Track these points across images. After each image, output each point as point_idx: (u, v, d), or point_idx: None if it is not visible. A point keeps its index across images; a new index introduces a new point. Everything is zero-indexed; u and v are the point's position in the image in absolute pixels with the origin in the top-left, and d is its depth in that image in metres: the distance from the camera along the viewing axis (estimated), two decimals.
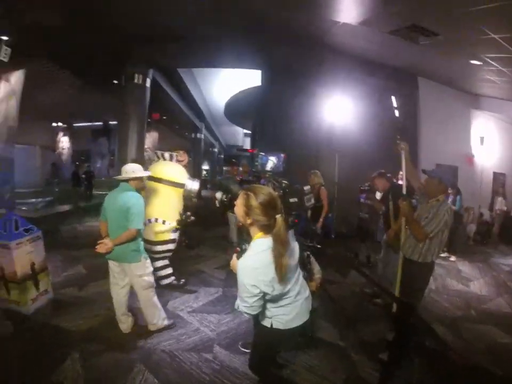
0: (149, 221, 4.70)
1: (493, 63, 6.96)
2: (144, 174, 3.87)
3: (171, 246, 4.96)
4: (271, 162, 3.36)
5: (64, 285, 5.19)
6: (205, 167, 34.31)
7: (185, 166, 5.88)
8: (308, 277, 3.04)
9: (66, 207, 12.72)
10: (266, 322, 2.23)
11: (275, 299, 2.11)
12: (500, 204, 10.40)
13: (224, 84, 16.01)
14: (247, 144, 28.08)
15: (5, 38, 6.78)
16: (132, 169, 3.72)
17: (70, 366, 3.19)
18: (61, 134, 26.32)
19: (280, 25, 6.78)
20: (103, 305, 4.44)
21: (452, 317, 4.56)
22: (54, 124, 25.24)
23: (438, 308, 4.79)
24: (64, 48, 8.84)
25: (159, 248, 4.86)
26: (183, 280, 5.22)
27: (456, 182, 8.34)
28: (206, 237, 8.24)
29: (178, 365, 3.28)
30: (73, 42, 8.33)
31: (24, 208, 12.29)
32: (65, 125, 25.87)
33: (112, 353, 3.42)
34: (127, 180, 3.70)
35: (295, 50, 8.05)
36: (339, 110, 8.22)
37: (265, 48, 8.05)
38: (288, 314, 2.18)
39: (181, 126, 23.88)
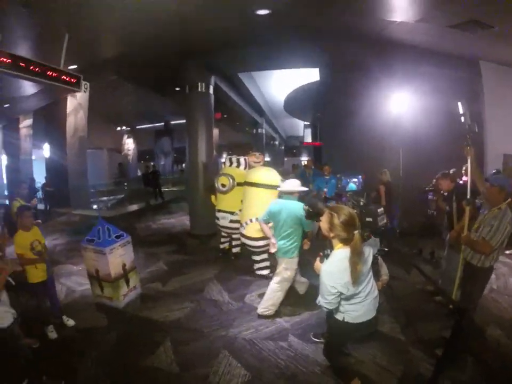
0: (251, 220, 5.45)
1: None
2: (302, 188, 4.58)
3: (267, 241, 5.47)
4: (353, 184, 3.79)
5: (149, 280, 5.79)
6: (267, 158, 34.73)
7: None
8: (376, 277, 3.35)
9: (137, 206, 13.49)
10: (339, 316, 2.72)
11: (348, 297, 2.57)
12: None
13: (282, 81, 16.19)
14: (307, 135, 28.05)
15: (73, 66, 7.61)
16: (298, 184, 4.50)
17: (163, 352, 3.71)
18: (125, 136, 28.07)
19: (339, 28, 6.88)
20: (186, 298, 5.00)
21: (510, 319, 4.40)
22: (119, 128, 26.91)
23: (497, 308, 4.66)
24: (126, 67, 9.64)
25: (261, 243, 5.51)
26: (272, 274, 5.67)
27: None
28: None
29: (257, 352, 3.70)
30: (136, 63, 9.10)
31: (100, 207, 13.26)
32: (129, 128, 27.48)
33: (199, 342, 3.91)
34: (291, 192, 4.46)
35: (353, 47, 7.99)
36: (401, 104, 8.05)
37: (322, 48, 8.13)
38: (358, 310, 2.65)
39: (241, 122, 24.49)
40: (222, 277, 5.86)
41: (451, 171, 6.84)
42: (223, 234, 6.75)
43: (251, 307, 4.73)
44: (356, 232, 2.45)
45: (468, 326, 3.50)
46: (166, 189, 16.14)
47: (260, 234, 5.34)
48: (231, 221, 6.27)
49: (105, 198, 17.19)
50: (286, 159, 45.29)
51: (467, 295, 3.69)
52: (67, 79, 5.53)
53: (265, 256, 5.70)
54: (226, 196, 6.22)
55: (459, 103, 4.52)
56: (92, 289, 5.00)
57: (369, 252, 2.71)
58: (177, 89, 11.52)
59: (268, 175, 5.58)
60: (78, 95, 11.84)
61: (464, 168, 6.32)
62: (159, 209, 12.99)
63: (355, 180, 3.94)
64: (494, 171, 7.07)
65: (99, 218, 5.13)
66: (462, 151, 4.02)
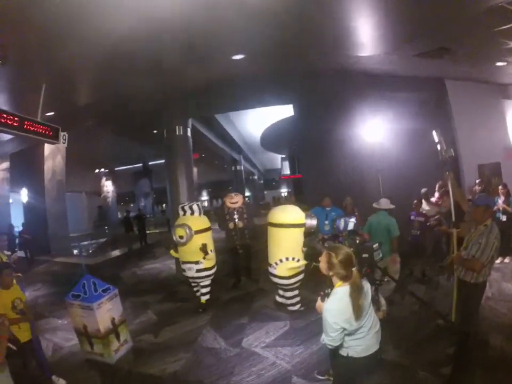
0: (280, 261, 5.47)
1: None
2: (391, 206, 5.79)
3: (301, 276, 5.65)
4: (352, 223, 3.92)
5: (139, 332, 5.54)
6: (247, 193, 35.03)
7: (241, 207, 6.49)
8: (375, 308, 3.37)
9: (119, 251, 13.17)
10: (343, 352, 2.69)
11: (351, 333, 2.56)
12: None
13: (258, 118, 16.55)
14: (285, 168, 28.51)
15: (50, 113, 7.59)
16: (387, 202, 5.79)
17: None
18: (104, 178, 27.78)
19: (311, 67, 7.12)
20: (181, 349, 4.79)
21: (510, 324, 4.52)
22: (97, 170, 26.64)
23: (495, 315, 4.74)
24: (102, 113, 9.71)
25: (293, 280, 5.57)
26: (303, 307, 5.73)
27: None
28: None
29: None
30: (113, 109, 9.18)
31: (80, 253, 12.89)
32: (107, 170, 27.30)
33: None
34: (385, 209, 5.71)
35: (324, 81, 8.28)
36: (376, 131, 8.29)
37: (295, 85, 8.39)
38: (362, 345, 2.65)
39: (220, 161, 24.70)
40: (215, 323, 5.66)
41: (422, 190, 7.10)
42: (193, 284, 6.65)
43: (249, 351, 4.58)
44: (354, 269, 2.55)
45: (471, 341, 3.57)
46: (148, 231, 15.83)
47: (292, 272, 5.49)
48: (198, 270, 6.18)
49: (86, 243, 16.83)
50: (266, 192, 45.91)
51: (466, 316, 3.69)
52: (45, 132, 5.44)
53: (297, 292, 5.75)
54: (187, 246, 6.12)
55: (433, 132, 4.73)
56: (80, 346, 4.76)
57: (368, 287, 2.76)
58: (155, 132, 11.59)
59: (292, 214, 5.62)
60: None
61: (438, 184, 6.53)
62: (142, 254, 12.71)
63: (353, 220, 4.07)
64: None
65: (84, 272, 4.95)
66: (443, 176, 4.14)
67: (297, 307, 5.75)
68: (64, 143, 5.84)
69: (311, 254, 3.50)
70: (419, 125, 8.24)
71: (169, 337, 5.29)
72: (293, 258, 5.45)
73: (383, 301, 3.60)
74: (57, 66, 5.74)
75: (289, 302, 5.78)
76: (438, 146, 4.66)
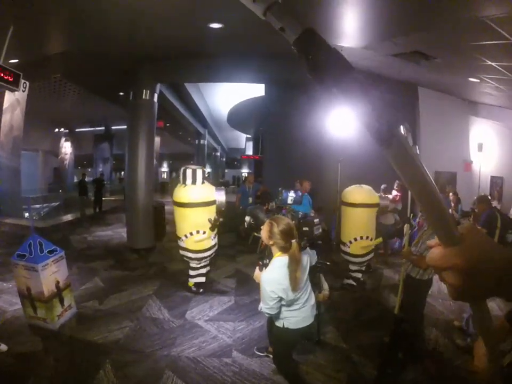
0: (355, 239, 5.63)
1: (490, 82, 7.27)
2: None
3: (371, 255, 5.95)
4: (291, 197, 4.00)
5: (84, 298, 5.43)
6: (208, 169, 34.83)
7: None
8: (317, 290, 3.67)
9: (71, 216, 12.73)
10: (279, 323, 2.87)
11: (288, 304, 2.73)
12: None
13: (228, 94, 16.36)
14: (249, 148, 28.39)
15: (14, 60, 7.12)
16: None
17: (104, 376, 3.49)
18: (63, 139, 26.43)
19: (287, 49, 7.05)
20: (125, 317, 4.78)
21: (445, 320, 4.86)
22: (57, 129, 25.36)
23: (433, 312, 5.02)
24: (71, 66, 9.20)
25: (366, 258, 5.88)
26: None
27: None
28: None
29: (202, 370, 3.64)
30: (82, 63, 8.70)
31: (32, 216, 12.38)
32: (67, 130, 25.96)
33: (141, 363, 3.74)
34: None
35: (299, 66, 8.27)
36: (340, 122, 8.45)
37: (268, 65, 8.30)
38: (297, 316, 2.83)
39: (184, 132, 24.23)
40: (161, 293, 5.69)
41: (382, 186, 7.33)
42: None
43: (192, 324, 4.64)
44: (293, 240, 2.66)
45: (412, 332, 3.71)
46: (104, 198, 15.38)
47: (365, 251, 5.76)
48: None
49: (38, 206, 16.17)
50: (226, 170, 45.77)
51: (410, 305, 3.87)
52: (4, 76, 5.11)
53: (363, 268, 6.08)
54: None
55: (401, 126, 4.71)
56: (24, 310, 4.59)
57: (307, 260, 2.89)
58: (121, 94, 11.18)
59: (367, 194, 5.71)
60: (17, 91, 11.09)
61: (396, 183, 6.74)
62: (95, 220, 12.45)
63: (293, 194, 4.20)
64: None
65: (31, 230, 4.76)
66: None
67: (359, 275, 6.05)
68: (24, 91, 5.55)
69: (252, 224, 3.59)
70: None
71: (114, 305, 5.24)
72: (367, 237, 5.66)
73: (325, 285, 3.81)
74: (27, 7, 5.26)
75: (352, 274, 6.03)
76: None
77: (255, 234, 3.29)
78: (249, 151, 26.89)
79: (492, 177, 11.38)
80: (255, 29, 6.16)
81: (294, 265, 2.60)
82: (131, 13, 5.45)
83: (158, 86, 8.81)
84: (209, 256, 5.66)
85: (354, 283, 5.97)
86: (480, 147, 10.60)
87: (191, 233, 5.34)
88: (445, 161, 9.51)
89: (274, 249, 2.74)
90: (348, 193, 5.84)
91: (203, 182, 5.42)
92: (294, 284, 2.59)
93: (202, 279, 5.80)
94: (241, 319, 4.75)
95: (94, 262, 7.24)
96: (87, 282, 6.13)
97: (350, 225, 5.83)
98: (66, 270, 4.84)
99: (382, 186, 7.57)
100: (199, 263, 5.66)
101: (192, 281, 5.76)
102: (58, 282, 4.59)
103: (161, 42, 7.03)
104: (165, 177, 39.19)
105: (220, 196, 5.49)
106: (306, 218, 3.62)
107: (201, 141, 23.44)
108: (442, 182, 9.43)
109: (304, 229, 3.48)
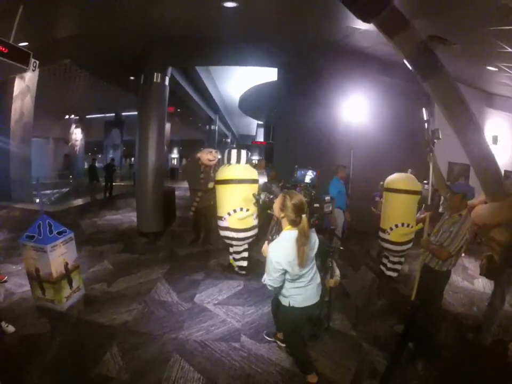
0: (396, 226, 5.49)
1: (508, 70, 7.06)
2: None
3: (410, 245, 5.66)
4: (309, 176, 3.99)
5: (93, 280, 5.42)
6: (218, 156, 34.72)
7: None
8: (330, 275, 3.66)
9: (82, 201, 12.72)
10: (285, 302, 2.91)
11: (293, 279, 2.76)
12: None
13: (239, 79, 16.13)
14: (260, 135, 28.18)
15: (24, 44, 7.03)
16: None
17: (110, 358, 3.47)
18: (73, 126, 26.50)
19: (303, 31, 6.85)
20: (133, 300, 4.76)
21: (455, 312, 4.75)
22: (67, 116, 25.43)
23: (443, 304, 4.78)
24: (82, 51, 9.11)
25: (405, 247, 5.63)
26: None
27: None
28: None
29: (210, 354, 3.60)
30: (92, 47, 8.62)
31: (43, 201, 12.42)
32: (77, 117, 26.06)
33: (149, 346, 3.71)
34: None
35: (313, 51, 8.08)
36: (355, 109, 8.30)
37: (283, 49, 8.11)
38: (302, 294, 2.84)
39: (195, 118, 24.09)
40: (170, 276, 5.66)
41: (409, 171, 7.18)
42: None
43: (201, 307, 4.61)
44: (303, 215, 2.68)
45: (425, 324, 3.66)
46: (114, 183, 15.47)
47: (404, 239, 5.55)
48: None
49: (48, 192, 16.26)
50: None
51: (427, 297, 3.70)
52: (15, 54, 5.03)
53: (403, 259, 5.92)
54: None
55: (423, 109, 4.65)
56: (32, 291, 4.60)
57: (315, 239, 2.89)
58: (132, 78, 11.09)
59: (410, 181, 5.57)
60: (27, 77, 11.05)
61: (409, 171, 6.63)
62: (105, 205, 12.47)
63: (310, 173, 4.22)
64: None
65: (41, 212, 4.74)
66: (425, 156, 4.11)
67: (395, 274, 5.90)
68: (34, 70, 5.44)
69: (267, 200, 3.61)
70: (399, 112, 8.34)
71: (122, 287, 5.22)
72: (408, 225, 5.47)
73: (337, 270, 3.72)
74: None
75: (392, 266, 5.89)
76: (426, 125, 4.60)
77: (268, 211, 3.30)
78: (260, 138, 26.63)
79: (506, 171, 11.13)
80: (270, 10, 6.02)
81: (302, 239, 2.62)
82: None
83: (170, 70, 8.69)
84: (251, 237, 5.63)
85: (394, 274, 5.87)
86: (495, 140, 10.37)
87: (234, 211, 5.35)
88: (459, 152, 9.29)
89: (284, 223, 2.77)
90: (390, 179, 5.71)
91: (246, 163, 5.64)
92: (301, 258, 2.60)
93: (245, 263, 5.80)
94: (251, 304, 4.71)
95: (104, 246, 7.23)
96: (96, 265, 6.11)
97: (391, 211, 5.66)
98: (75, 252, 4.81)
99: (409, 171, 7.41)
100: (242, 245, 5.68)
101: (236, 263, 5.81)
102: (67, 263, 4.57)
103: (173, 24, 6.87)
104: (175, 163, 39.23)
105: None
106: (318, 196, 3.59)
107: (212, 127, 23.25)
108: (456, 174, 9.25)
109: (315, 205, 3.49)
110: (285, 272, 2.66)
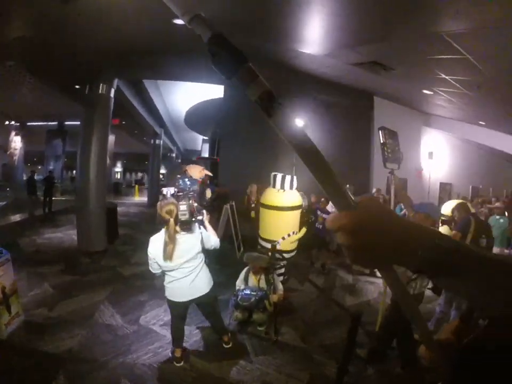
0: (289, 235, 6.10)
1: (443, 94, 7.66)
2: None
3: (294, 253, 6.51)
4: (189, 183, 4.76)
5: (33, 305, 5.13)
6: (162, 171, 34.23)
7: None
8: (272, 290, 4.06)
9: (20, 216, 12.19)
10: (165, 293, 3.61)
11: (165, 271, 3.46)
12: None
13: (187, 94, 16.09)
14: (205, 150, 28.05)
15: None
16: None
17: None
18: (13, 133, 24.39)
19: (252, 51, 7.02)
20: (77, 325, 4.56)
21: None
22: (7, 122, 23.39)
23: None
24: (28, 53, 8.71)
25: (293, 254, 6.37)
26: None
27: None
28: None
29: (159, 377, 3.56)
30: (40, 51, 8.24)
31: None
32: (18, 124, 24.00)
33: (96, 372, 3.58)
34: None
35: (260, 70, 8.28)
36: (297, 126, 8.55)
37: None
38: (172, 288, 3.51)
39: (140, 131, 23.60)
40: (114, 298, 5.51)
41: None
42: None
43: (147, 329, 4.55)
44: (171, 219, 3.31)
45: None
46: (53, 198, 14.65)
47: (294, 246, 6.29)
48: None
49: None
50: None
51: (390, 323, 3.79)
52: None
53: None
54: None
55: (380, 132, 4.69)
56: None
57: (193, 243, 3.48)
58: (77, 87, 10.73)
59: (292, 198, 6.17)
60: None
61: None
62: (45, 222, 11.92)
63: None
64: None
65: None
66: (387, 180, 4.27)
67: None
68: None
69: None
70: (341, 131, 8.78)
71: (65, 312, 5.00)
72: (293, 232, 6.12)
73: (280, 285, 4.09)
74: None
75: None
76: (382, 148, 4.73)
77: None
78: (206, 153, 26.52)
79: (441, 183, 12.07)
80: (220, 28, 6.11)
81: (167, 239, 3.29)
82: (95, 4, 5.30)
83: (116, 81, 8.56)
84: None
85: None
86: (430, 155, 11.23)
87: (288, 235, 6.05)
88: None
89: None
90: (273, 197, 6.24)
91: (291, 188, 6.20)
92: (165, 253, 3.28)
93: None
94: (198, 323, 4.65)
95: (43, 267, 6.87)
96: (35, 288, 5.81)
97: (276, 226, 6.16)
98: (12, 274, 4.56)
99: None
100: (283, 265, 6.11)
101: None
102: (4, 287, 4.30)
103: (122, 35, 6.79)
104: (119, 177, 37.97)
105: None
106: (190, 203, 3.78)
107: (157, 141, 22.84)
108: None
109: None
110: (155, 261, 3.36)
